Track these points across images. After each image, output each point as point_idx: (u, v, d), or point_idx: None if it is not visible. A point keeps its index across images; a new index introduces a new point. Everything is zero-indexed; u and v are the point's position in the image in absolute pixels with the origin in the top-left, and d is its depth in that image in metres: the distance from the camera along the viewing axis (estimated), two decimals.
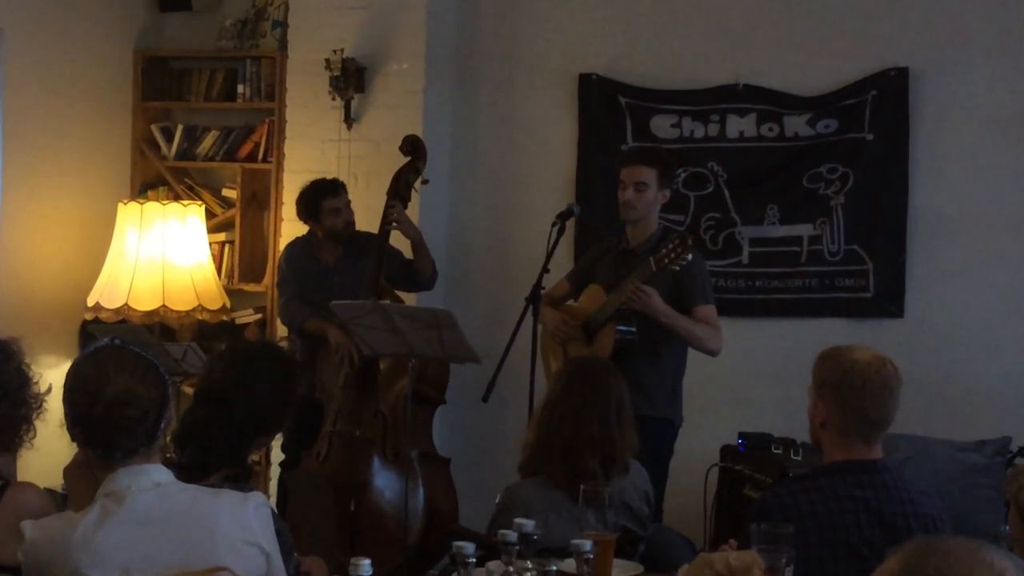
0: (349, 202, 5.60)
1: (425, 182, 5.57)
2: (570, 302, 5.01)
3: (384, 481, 5.18)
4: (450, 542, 2.88)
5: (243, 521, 2.58)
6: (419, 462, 5.20)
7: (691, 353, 5.72)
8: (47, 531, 2.51)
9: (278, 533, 2.77)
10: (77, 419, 2.53)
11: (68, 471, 2.78)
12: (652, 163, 4.77)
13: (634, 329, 4.59)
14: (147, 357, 2.58)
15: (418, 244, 5.55)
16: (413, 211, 5.97)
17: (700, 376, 5.76)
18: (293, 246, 5.77)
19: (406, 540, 4.95)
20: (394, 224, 5.41)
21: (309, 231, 5.68)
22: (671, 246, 4.39)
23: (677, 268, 4.40)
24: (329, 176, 5.73)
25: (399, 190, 5.48)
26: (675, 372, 4.80)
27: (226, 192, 6.58)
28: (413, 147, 5.54)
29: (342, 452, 5.25)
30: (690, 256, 4.36)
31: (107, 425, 2.50)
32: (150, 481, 2.54)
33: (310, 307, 5.51)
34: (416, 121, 5.98)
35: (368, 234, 5.61)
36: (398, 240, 5.52)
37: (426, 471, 5.21)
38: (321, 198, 5.56)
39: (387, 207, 5.44)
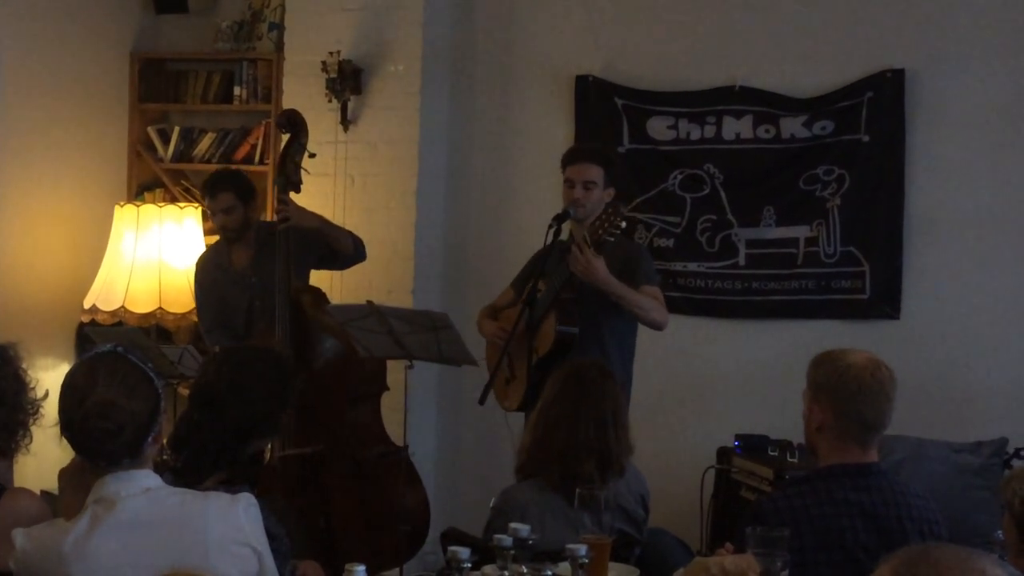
0: (234, 207, 5.28)
1: (311, 156, 5.24)
2: (509, 310, 4.98)
3: (350, 491, 5.05)
4: (444, 543, 2.88)
5: (233, 522, 2.59)
6: (379, 462, 5.09)
7: (688, 356, 5.76)
8: (38, 540, 2.52)
9: (274, 537, 2.78)
10: (65, 423, 2.55)
11: (64, 474, 2.79)
12: (601, 162, 4.78)
13: (576, 329, 4.59)
14: (143, 369, 2.57)
15: (324, 227, 5.28)
16: (409, 218, 5.97)
17: (696, 377, 5.79)
18: (202, 261, 5.56)
19: (402, 540, 4.94)
20: (288, 221, 5.12)
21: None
22: (603, 216, 4.48)
23: (612, 238, 4.42)
24: (323, 175, 5.68)
25: (288, 176, 5.14)
26: (621, 367, 4.68)
27: None
28: (291, 122, 5.22)
29: (298, 474, 5.05)
30: (623, 224, 4.42)
31: (83, 433, 2.51)
32: (139, 487, 2.55)
33: (228, 333, 5.30)
34: (412, 123, 5.99)
35: (272, 224, 5.40)
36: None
37: (389, 469, 5.06)
38: (203, 195, 5.40)
39: (277, 202, 5.18)
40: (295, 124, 5.24)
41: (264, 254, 5.32)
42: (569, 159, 4.86)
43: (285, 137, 5.33)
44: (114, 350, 2.59)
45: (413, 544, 5.05)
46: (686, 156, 5.90)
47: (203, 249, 6.11)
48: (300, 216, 5.20)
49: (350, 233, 5.37)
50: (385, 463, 5.09)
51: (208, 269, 5.50)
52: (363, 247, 5.40)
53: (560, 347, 4.58)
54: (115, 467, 2.54)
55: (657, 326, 4.73)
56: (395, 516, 4.90)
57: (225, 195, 5.32)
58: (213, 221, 5.47)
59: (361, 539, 4.99)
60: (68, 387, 2.56)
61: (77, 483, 2.65)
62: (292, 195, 5.20)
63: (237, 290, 5.36)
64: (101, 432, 2.49)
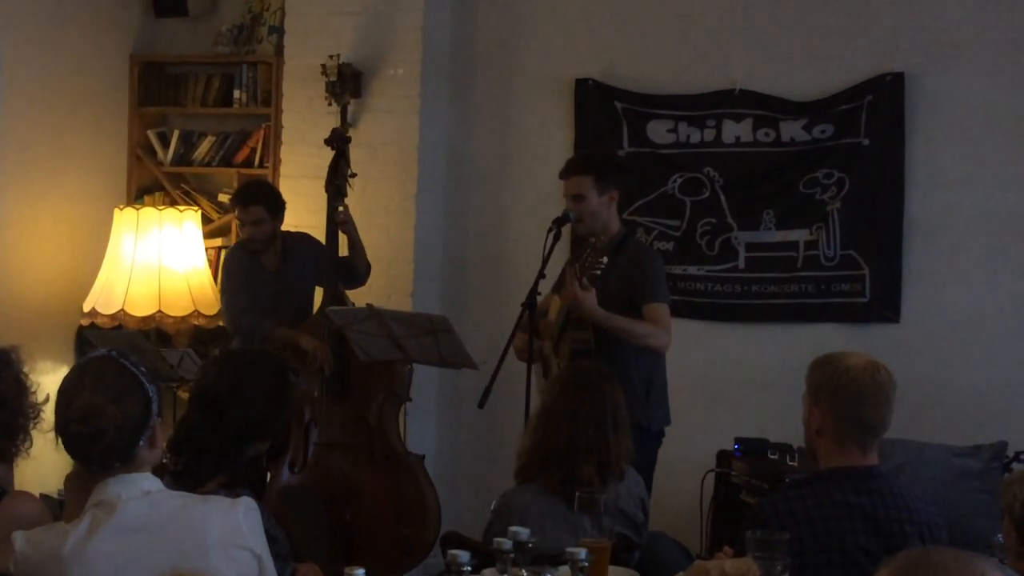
0: (263, 220, 5.45)
1: (353, 175, 5.54)
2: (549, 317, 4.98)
3: (378, 486, 5.15)
4: (444, 547, 2.88)
5: (233, 525, 2.58)
6: (407, 461, 5.21)
7: (688, 359, 5.76)
8: (38, 543, 2.52)
9: (274, 540, 2.78)
10: (56, 429, 2.55)
11: (69, 479, 2.79)
12: (584, 171, 4.71)
13: (589, 339, 4.55)
14: (132, 373, 2.55)
15: (357, 241, 5.48)
16: (409, 221, 5.98)
17: (696, 381, 5.79)
18: (235, 255, 5.67)
19: (407, 542, 4.98)
20: (341, 226, 5.37)
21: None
22: (586, 253, 4.42)
23: (598, 272, 4.37)
24: (322, 179, 5.70)
25: (339, 188, 5.42)
26: (648, 376, 4.67)
27: (222, 197, 6.57)
28: (341, 139, 5.50)
29: (331, 463, 5.18)
30: (605, 259, 4.35)
31: (67, 438, 2.52)
32: (139, 490, 2.54)
33: (270, 318, 5.38)
34: (412, 126, 5.99)
35: (296, 235, 5.60)
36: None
37: (416, 469, 5.21)
38: (234, 204, 5.60)
39: (333, 209, 5.37)
40: (343, 141, 5.49)
41: (288, 263, 5.49)
42: (560, 174, 4.84)
43: (332, 153, 5.51)
44: (107, 354, 2.58)
45: (425, 549, 5.09)
46: (686, 159, 5.91)
47: (203, 252, 6.15)
48: (351, 223, 5.43)
49: (367, 260, 5.52)
50: (412, 461, 5.22)
51: (243, 261, 5.57)
52: (369, 273, 5.57)
53: (576, 360, 4.55)
54: (107, 471, 2.53)
55: (655, 351, 4.66)
56: (424, 517, 4.98)
57: (256, 208, 5.46)
58: (240, 231, 5.59)
59: (380, 537, 5.05)
60: (60, 393, 2.57)
61: (78, 487, 2.65)
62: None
63: (267, 290, 5.47)
64: (81, 437, 2.49)
